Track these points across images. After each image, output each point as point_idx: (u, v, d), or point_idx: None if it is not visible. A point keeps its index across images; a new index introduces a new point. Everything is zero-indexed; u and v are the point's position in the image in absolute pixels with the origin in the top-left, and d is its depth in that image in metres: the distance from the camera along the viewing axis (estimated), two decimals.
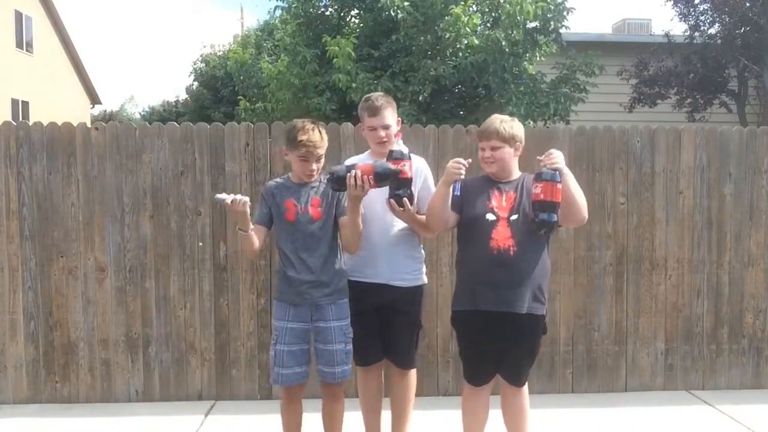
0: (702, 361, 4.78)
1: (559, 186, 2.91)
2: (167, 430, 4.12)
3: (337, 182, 3.03)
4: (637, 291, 4.72)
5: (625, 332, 4.73)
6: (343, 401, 3.32)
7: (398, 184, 3.12)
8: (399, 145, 3.16)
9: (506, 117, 3.20)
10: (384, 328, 3.36)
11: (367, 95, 3.46)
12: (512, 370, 3.16)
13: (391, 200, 3.14)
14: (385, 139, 3.34)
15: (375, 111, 3.33)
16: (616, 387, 4.73)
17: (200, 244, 4.50)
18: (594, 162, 4.67)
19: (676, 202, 4.72)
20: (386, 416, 3.52)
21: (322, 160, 3.22)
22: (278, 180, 3.33)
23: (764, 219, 4.78)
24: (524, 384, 3.21)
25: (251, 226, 3.11)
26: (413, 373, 3.46)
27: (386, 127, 3.34)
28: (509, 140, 3.10)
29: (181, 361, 4.54)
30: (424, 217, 3.28)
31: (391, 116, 3.36)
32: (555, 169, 2.93)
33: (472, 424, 3.23)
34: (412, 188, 3.19)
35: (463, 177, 3.05)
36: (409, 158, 3.13)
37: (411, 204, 3.14)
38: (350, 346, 3.23)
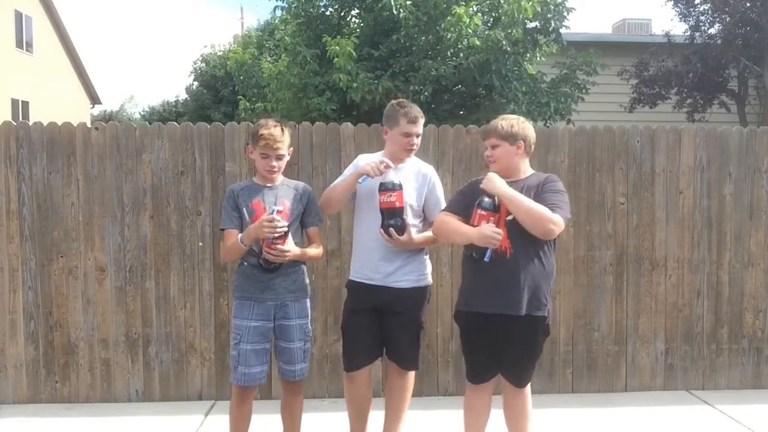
0: (702, 361, 4.78)
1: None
2: (167, 430, 4.12)
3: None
4: (637, 291, 4.71)
5: (625, 332, 4.73)
6: (302, 396, 3.39)
7: (390, 214, 3.16)
8: (390, 176, 3.18)
9: (512, 116, 3.20)
10: (385, 329, 3.36)
11: (400, 101, 3.44)
12: (512, 371, 3.15)
13: (381, 230, 3.18)
14: (415, 148, 3.40)
15: (415, 119, 3.35)
16: (616, 387, 4.73)
17: (200, 244, 4.50)
18: (594, 162, 4.67)
19: (676, 202, 4.72)
20: (378, 416, 3.49)
21: (284, 160, 3.24)
22: (242, 183, 3.38)
23: (764, 219, 4.78)
24: (526, 385, 3.19)
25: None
26: (412, 375, 3.46)
27: (419, 136, 3.40)
28: (508, 138, 3.08)
29: (181, 361, 4.54)
30: (429, 233, 3.32)
31: (422, 128, 3.45)
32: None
33: (472, 422, 3.23)
34: (404, 216, 3.21)
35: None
36: (401, 188, 3.17)
37: (400, 234, 3.16)
38: (309, 345, 3.31)
